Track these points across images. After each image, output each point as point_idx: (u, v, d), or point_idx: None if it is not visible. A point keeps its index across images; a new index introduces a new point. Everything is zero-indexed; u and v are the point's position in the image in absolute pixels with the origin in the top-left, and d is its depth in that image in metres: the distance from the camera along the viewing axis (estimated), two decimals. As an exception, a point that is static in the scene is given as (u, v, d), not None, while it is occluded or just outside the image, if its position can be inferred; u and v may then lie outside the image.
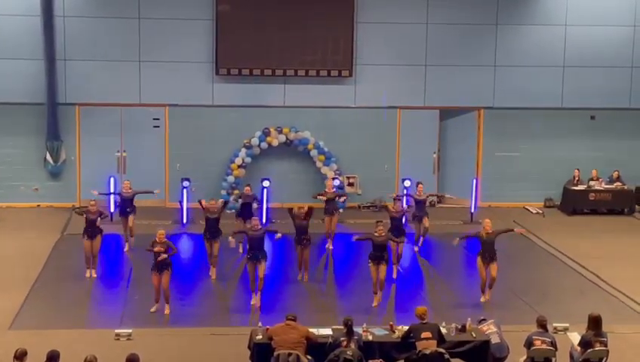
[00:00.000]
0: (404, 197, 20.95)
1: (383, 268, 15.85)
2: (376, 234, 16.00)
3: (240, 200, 20.32)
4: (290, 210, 18.02)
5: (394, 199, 19.33)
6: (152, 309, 15.28)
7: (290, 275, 17.74)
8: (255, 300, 15.78)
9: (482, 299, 16.08)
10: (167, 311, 15.29)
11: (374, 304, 15.81)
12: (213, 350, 13.68)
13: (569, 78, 24.70)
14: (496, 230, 16.27)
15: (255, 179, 23.04)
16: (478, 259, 16.20)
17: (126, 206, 19.56)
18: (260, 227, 16.26)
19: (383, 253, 15.88)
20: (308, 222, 17.68)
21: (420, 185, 19.92)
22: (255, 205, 19.89)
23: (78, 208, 19.49)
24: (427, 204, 20.31)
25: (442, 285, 17.53)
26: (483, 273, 16.12)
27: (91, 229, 17.41)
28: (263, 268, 15.83)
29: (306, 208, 18.02)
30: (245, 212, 19.59)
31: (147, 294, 15.82)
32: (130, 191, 19.63)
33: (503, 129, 24.66)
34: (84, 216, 17.59)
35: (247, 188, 20.02)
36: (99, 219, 17.51)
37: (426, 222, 19.62)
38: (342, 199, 21.46)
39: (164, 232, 15.63)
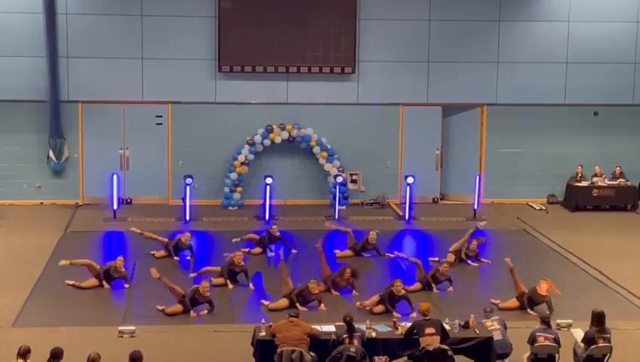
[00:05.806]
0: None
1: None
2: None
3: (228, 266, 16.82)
4: (334, 282, 16.09)
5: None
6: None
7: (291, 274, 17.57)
8: None
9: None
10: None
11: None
12: (216, 347, 13.67)
13: (572, 75, 24.64)
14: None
15: (258, 176, 23.10)
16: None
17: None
18: None
19: None
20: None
21: (446, 262, 17.41)
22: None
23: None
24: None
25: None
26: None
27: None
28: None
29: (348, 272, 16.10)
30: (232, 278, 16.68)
31: (150, 291, 15.84)
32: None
33: (506, 125, 24.60)
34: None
35: (239, 254, 17.05)
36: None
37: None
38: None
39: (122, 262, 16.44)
